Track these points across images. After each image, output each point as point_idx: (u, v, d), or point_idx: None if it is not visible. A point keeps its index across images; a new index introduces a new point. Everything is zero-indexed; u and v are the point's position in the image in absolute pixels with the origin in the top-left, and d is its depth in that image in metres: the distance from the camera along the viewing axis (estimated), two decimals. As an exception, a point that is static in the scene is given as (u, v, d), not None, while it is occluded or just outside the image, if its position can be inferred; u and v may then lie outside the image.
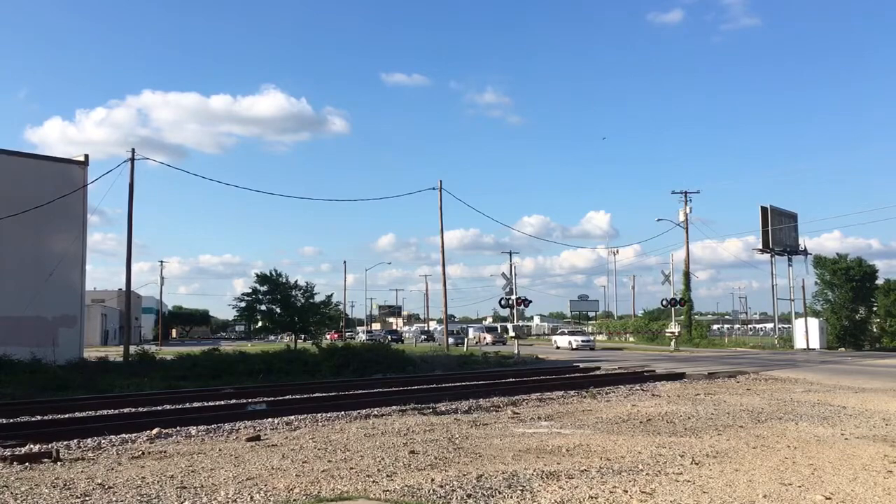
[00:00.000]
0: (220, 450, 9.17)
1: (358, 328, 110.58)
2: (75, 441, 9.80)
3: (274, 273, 36.77)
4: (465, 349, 46.80)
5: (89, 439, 9.95)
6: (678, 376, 20.88)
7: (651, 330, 64.82)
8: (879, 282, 51.69)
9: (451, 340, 54.51)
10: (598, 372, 23.78)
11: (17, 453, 8.76)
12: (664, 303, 50.44)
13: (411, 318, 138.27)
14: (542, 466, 7.73)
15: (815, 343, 47.45)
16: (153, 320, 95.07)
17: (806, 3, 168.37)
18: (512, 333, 37.93)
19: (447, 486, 6.80)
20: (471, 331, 70.61)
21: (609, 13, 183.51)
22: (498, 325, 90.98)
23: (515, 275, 38.15)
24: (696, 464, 7.94)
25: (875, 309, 51.21)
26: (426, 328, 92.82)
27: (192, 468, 7.89)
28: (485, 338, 63.19)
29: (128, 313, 37.28)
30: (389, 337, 71.92)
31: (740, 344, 54.62)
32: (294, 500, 6.41)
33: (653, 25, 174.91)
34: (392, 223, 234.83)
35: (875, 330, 51.21)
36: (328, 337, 73.00)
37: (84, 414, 13.16)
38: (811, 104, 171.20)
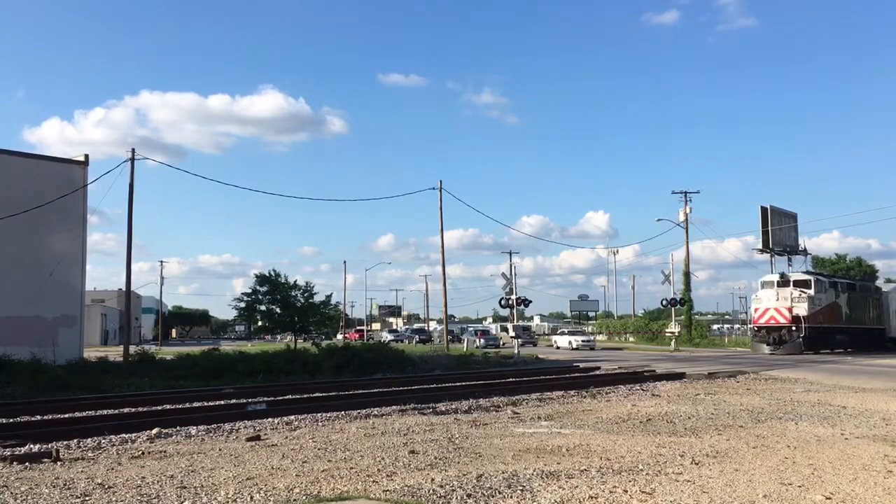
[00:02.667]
0: (220, 450, 9.17)
1: (358, 327, 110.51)
2: (75, 441, 9.79)
3: (273, 273, 36.77)
4: (465, 349, 46.75)
5: (89, 439, 9.94)
6: (678, 376, 20.88)
7: (651, 330, 64.82)
8: (879, 282, 51.67)
9: (481, 342, 52.26)
10: (598, 372, 23.78)
11: (17, 453, 8.75)
12: (664, 303, 50.42)
13: (411, 318, 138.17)
14: (542, 466, 7.73)
15: (814, 343, 47.19)
16: (153, 320, 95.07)
17: (803, 3, 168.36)
18: (512, 333, 37.92)
19: (447, 486, 6.80)
20: (495, 331, 68.67)
21: (607, 13, 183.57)
22: (531, 324, 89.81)
23: (515, 275, 38.16)
24: (696, 464, 7.94)
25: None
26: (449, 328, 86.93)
27: (192, 468, 7.88)
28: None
29: (128, 313, 37.32)
30: (417, 337, 68.53)
31: (740, 344, 54.56)
32: (294, 499, 6.41)
33: (649, 26, 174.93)
34: (392, 223, 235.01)
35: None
36: (348, 336, 72.07)
37: (84, 414, 13.15)
38: (810, 104, 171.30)
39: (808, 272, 39.43)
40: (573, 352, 46.54)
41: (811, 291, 36.52)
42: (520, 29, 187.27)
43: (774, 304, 36.79)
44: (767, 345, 36.45)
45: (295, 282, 37.41)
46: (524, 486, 6.79)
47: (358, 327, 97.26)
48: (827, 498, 6.40)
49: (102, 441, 9.87)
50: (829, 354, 37.00)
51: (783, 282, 37.39)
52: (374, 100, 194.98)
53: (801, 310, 35.73)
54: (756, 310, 38.21)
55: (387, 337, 66.60)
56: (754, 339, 38.79)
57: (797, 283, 37.03)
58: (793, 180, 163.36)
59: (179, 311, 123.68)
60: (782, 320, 36.22)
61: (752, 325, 39.94)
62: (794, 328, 35.69)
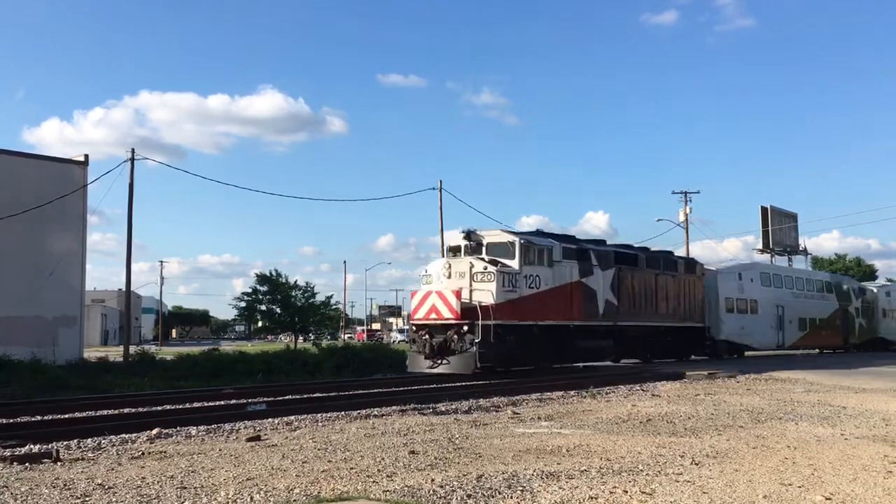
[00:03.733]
0: (220, 450, 9.16)
1: (357, 327, 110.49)
2: (75, 441, 9.77)
3: (273, 273, 36.83)
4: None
5: (89, 439, 9.93)
6: (678, 376, 20.88)
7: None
8: (879, 282, 51.74)
9: None
10: (597, 372, 23.77)
11: (17, 453, 8.74)
12: (664, 303, 50.05)
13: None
14: (542, 466, 7.72)
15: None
16: (153, 320, 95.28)
17: (802, 3, 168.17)
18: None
19: (447, 487, 6.80)
20: None
21: (606, 13, 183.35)
22: None
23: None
24: (696, 464, 7.94)
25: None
26: None
27: (192, 468, 7.88)
28: None
29: (128, 313, 37.43)
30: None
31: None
32: (294, 500, 6.41)
33: (647, 26, 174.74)
34: (392, 223, 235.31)
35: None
36: (356, 337, 71.81)
37: (84, 414, 13.15)
38: (810, 104, 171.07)
39: (515, 231, 22.28)
40: (573, 352, 46.35)
41: (512, 263, 19.86)
42: (519, 29, 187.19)
43: (444, 284, 19.51)
44: (426, 357, 19.25)
45: (295, 282, 37.56)
46: (524, 487, 6.79)
47: (361, 327, 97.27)
48: (827, 498, 6.40)
49: (102, 441, 9.86)
50: (830, 354, 34.77)
51: (473, 247, 20.57)
52: (373, 100, 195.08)
53: (485, 295, 19.01)
54: (413, 295, 20.70)
55: (396, 337, 66.05)
56: (412, 347, 20.54)
57: (492, 249, 20.30)
58: (793, 180, 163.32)
59: (179, 312, 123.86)
60: (447, 314, 18.92)
61: (409, 324, 24.23)
62: (464, 328, 18.69)
